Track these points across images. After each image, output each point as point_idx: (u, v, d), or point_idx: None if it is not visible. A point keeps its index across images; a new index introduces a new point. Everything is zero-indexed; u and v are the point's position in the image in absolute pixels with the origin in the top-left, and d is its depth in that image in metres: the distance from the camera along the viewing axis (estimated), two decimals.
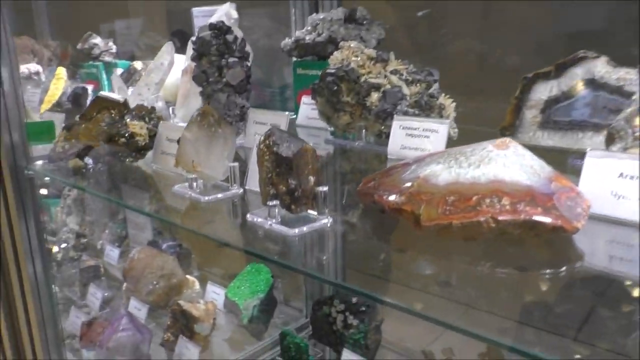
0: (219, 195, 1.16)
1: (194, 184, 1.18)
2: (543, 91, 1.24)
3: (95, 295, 1.83)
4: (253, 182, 1.12)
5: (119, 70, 2.31)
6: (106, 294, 1.90)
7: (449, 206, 0.81)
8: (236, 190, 1.17)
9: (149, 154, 1.48)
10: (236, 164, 1.18)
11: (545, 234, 0.78)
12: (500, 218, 0.76)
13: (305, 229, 0.96)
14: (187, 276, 1.88)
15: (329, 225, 0.97)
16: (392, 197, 0.89)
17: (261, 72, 2.21)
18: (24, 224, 1.59)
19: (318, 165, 0.99)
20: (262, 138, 1.01)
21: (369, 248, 0.98)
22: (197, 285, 1.88)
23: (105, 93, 1.62)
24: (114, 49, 2.50)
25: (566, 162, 1.14)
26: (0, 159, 1.49)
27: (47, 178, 1.79)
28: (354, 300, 1.58)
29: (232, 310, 1.79)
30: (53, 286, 1.73)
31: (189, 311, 1.60)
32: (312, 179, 0.97)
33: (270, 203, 0.98)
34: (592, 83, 1.18)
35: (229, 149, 1.20)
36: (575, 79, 1.20)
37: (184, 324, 1.61)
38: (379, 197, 0.91)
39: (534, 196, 0.78)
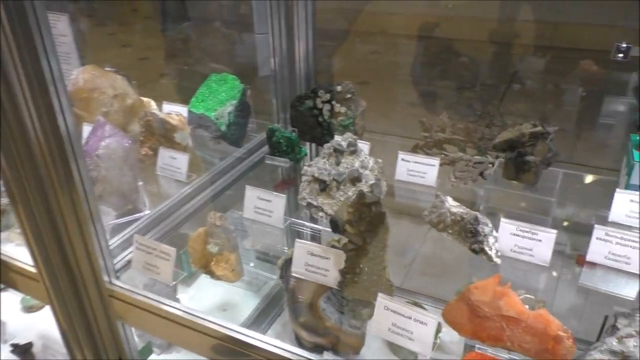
0: None
1: None
2: None
3: None
4: None
5: None
6: None
7: None
8: None
9: None
10: None
11: None
12: None
13: None
14: (141, 97, 1.71)
15: None
16: None
17: None
18: None
19: None
20: None
21: None
22: (154, 105, 1.72)
23: None
24: None
25: None
26: None
27: None
28: (339, 88, 1.55)
29: (201, 125, 1.69)
30: None
31: (167, 120, 1.48)
32: None
33: None
34: None
35: None
36: None
37: (162, 135, 1.49)
38: None
39: None
